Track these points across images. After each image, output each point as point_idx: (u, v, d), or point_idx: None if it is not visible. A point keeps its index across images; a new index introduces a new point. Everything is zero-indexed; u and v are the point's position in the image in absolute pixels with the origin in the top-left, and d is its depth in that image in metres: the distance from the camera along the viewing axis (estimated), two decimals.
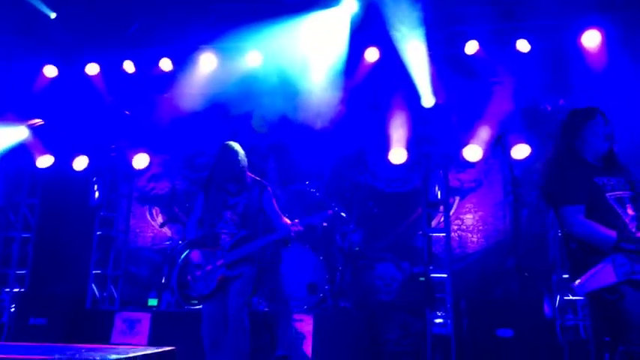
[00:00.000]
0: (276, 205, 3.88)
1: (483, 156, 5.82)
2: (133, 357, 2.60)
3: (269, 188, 3.90)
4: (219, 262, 3.69)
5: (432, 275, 5.20)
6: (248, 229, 3.72)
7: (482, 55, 5.77)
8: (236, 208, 3.71)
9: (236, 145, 3.88)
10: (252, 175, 3.94)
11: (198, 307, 5.31)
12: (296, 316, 4.69)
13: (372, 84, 6.24)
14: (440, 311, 4.90)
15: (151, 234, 6.86)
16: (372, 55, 6.06)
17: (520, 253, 4.97)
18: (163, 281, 5.63)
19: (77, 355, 2.45)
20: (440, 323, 4.83)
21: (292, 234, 3.73)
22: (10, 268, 6.28)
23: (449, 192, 5.62)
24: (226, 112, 6.77)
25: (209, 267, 3.74)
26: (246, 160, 3.87)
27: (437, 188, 5.33)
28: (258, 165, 6.07)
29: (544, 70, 5.64)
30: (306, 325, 4.57)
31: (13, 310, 5.89)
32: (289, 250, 5.52)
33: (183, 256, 5.42)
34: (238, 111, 6.75)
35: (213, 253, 3.72)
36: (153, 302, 5.57)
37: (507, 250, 5.43)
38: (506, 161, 4.31)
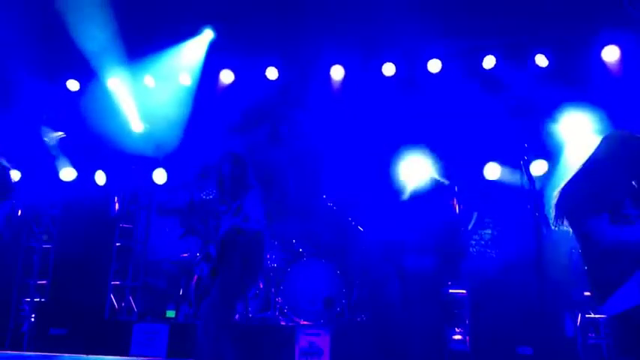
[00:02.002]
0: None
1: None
2: None
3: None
4: None
5: (451, 291, 5.15)
6: None
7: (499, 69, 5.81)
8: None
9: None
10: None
11: None
12: (313, 331, 4.68)
13: None
14: (458, 327, 4.85)
15: (169, 246, 6.92)
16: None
17: (541, 269, 4.91)
18: (181, 293, 5.66)
19: None
20: (458, 340, 4.78)
21: None
22: (31, 278, 6.37)
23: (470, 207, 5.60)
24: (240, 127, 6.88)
25: None
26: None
27: (455, 202, 5.32)
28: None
29: (563, 84, 5.63)
30: (323, 339, 4.56)
31: (33, 319, 5.96)
32: (305, 265, 5.53)
33: (200, 268, 5.48)
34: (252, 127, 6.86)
35: None
36: (171, 314, 5.60)
37: (528, 266, 5.36)
38: (527, 175, 4.28)
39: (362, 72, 6.68)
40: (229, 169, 3.79)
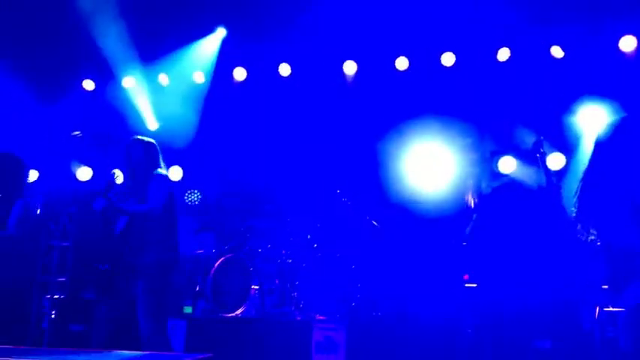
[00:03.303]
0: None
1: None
2: None
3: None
4: None
5: (466, 285, 5.14)
6: None
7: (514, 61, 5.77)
8: None
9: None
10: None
11: (232, 314, 5.40)
12: (329, 325, 4.70)
13: None
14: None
15: (184, 243, 6.96)
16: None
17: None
18: (197, 289, 5.71)
19: None
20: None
21: None
22: (50, 276, 6.47)
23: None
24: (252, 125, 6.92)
25: None
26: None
27: (470, 196, 5.29)
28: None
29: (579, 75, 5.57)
30: (339, 334, 4.58)
31: (53, 316, 6.06)
32: (320, 260, 5.55)
33: (217, 264, 5.53)
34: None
35: None
36: (188, 309, 5.66)
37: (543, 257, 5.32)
38: (543, 168, 4.25)
39: (375, 67, 6.67)
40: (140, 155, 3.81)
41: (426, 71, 6.38)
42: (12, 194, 4.14)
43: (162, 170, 3.88)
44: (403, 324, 4.95)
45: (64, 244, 6.60)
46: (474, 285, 5.07)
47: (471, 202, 5.45)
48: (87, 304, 5.71)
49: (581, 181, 2.83)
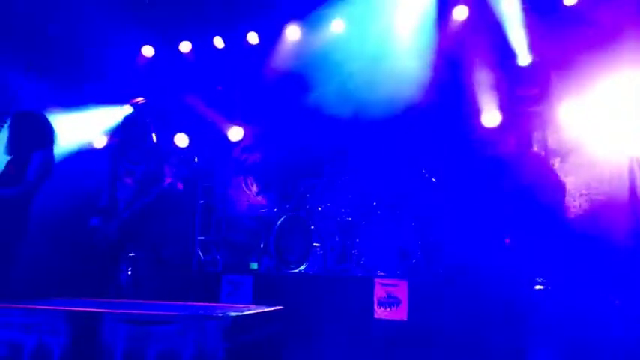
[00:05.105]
0: None
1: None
2: (249, 314, 2.84)
3: None
4: None
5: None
6: None
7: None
8: None
9: None
10: None
11: (295, 270, 5.62)
12: (390, 281, 4.80)
13: (459, 44, 6.05)
14: (540, 277, 4.77)
15: (247, 202, 7.24)
16: (460, 13, 5.89)
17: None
18: (262, 246, 5.96)
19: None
20: (541, 289, 4.71)
21: None
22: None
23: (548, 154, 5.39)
24: (310, 84, 6.90)
25: None
26: None
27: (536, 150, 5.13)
28: None
29: None
30: (400, 289, 4.68)
31: (130, 272, 6.53)
32: (379, 218, 5.62)
33: (279, 223, 5.72)
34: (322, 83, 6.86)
35: None
36: (254, 266, 5.94)
37: (615, 215, 5.13)
38: None
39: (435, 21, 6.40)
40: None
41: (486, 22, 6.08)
42: (31, 150, 4.06)
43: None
44: (463, 278, 4.98)
45: None
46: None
47: None
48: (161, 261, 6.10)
49: None
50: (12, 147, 4.20)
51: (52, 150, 4.23)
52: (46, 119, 4.28)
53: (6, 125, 4.20)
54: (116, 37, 6.66)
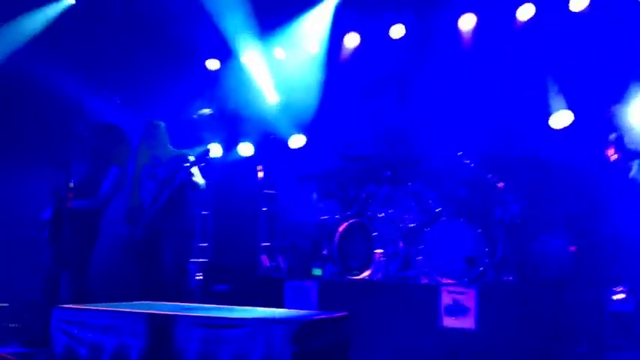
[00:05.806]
0: None
1: None
2: (317, 320, 2.88)
3: None
4: None
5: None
6: None
7: None
8: None
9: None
10: None
11: (358, 276, 5.61)
12: (457, 289, 4.69)
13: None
14: (620, 285, 4.49)
15: (309, 209, 7.30)
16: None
17: None
18: (325, 252, 5.99)
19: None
20: (620, 299, 4.43)
21: None
22: (195, 242, 7.19)
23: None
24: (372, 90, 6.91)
25: None
26: None
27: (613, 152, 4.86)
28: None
29: None
30: (468, 298, 4.56)
31: (198, 277, 6.77)
32: (444, 224, 5.50)
33: (341, 229, 5.73)
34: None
35: None
36: (317, 272, 5.98)
37: None
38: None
39: (494, 20, 6.28)
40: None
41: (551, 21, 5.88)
42: (108, 163, 4.24)
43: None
44: (533, 288, 4.79)
45: (204, 212, 7.28)
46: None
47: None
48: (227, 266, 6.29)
49: None
50: (91, 158, 4.44)
51: (126, 165, 4.45)
52: (125, 134, 4.49)
53: (87, 135, 4.44)
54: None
